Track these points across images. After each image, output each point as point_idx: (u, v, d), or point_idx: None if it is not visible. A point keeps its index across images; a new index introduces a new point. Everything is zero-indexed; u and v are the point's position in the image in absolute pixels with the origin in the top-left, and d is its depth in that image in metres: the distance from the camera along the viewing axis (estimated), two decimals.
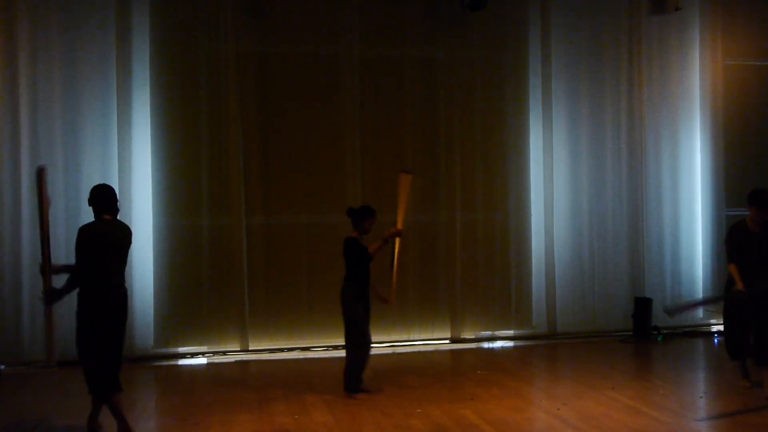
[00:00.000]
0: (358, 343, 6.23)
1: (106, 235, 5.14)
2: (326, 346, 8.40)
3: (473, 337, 8.74)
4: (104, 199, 5.22)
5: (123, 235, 5.30)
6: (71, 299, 5.35)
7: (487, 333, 8.79)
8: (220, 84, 8.16)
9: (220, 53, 8.16)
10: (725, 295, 6.34)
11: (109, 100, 7.88)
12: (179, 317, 8.01)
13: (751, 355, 6.17)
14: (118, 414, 5.16)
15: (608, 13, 9.19)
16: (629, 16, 9.22)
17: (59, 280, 5.28)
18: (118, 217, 5.34)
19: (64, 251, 7.69)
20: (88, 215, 7.69)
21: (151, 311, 7.95)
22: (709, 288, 9.32)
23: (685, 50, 9.42)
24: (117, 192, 7.53)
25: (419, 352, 7.87)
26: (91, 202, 5.23)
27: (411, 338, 8.46)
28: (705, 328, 9.30)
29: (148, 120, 7.96)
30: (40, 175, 5.35)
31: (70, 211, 7.79)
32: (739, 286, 5.92)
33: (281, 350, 8.26)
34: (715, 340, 8.82)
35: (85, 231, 5.09)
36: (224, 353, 8.12)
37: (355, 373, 6.30)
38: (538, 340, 8.82)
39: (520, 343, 8.76)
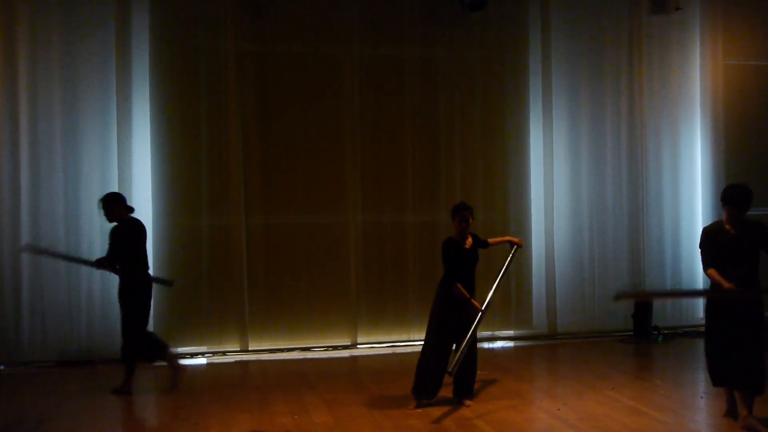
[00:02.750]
0: (425, 345, 5.99)
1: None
2: (326, 346, 8.40)
3: None
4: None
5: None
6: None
7: (487, 333, 8.77)
8: (220, 84, 8.16)
9: (220, 53, 8.16)
10: (707, 313, 5.54)
11: (109, 100, 7.88)
12: (179, 317, 8.01)
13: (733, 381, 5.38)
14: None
15: (608, 13, 9.19)
16: (629, 16, 9.21)
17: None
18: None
19: (64, 250, 7.72)
20: (87, 215, 7.85)
21: (151, 311, 7.92)
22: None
23: (685, 50, 9.42)
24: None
25: (419, 352, 7.85)
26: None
27: (411, 338, 8.45)
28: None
29: (148, 120, 7.96)
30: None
31: (69, 210, 7.80)
32: (725, 284, 5.20)
33: (281, 350, 8.26)
34: None
35: None
36: (224, 353, 8.12)
37: (420, 377, 5.91)
38: (538, 340, 8.82)
39: (520, 343, 8.76)
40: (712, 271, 5.37)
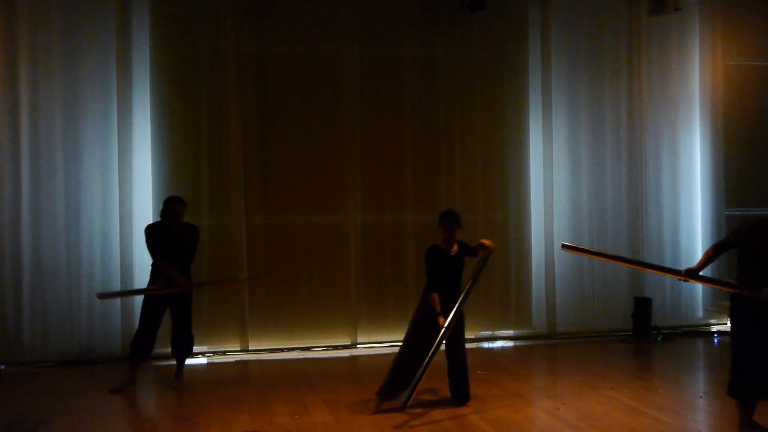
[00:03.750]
0: (401, 347, 5.94)
1: None
2: (326, 346, 8.40)
3: (473, 337, 8.73)
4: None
5: None
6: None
7: (487, 333, 8.79)
8: (220, 84, 8.16)
9: (220, 53, 8.17)
10: (738, 320, 5.02)
11: (109, 100, 7.88)
12: None
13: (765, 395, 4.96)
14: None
15: (608, 13, 9.19)
16: (629, 16, 9.22)
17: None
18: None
19: (64, 250, 7.74)
20: (87, 215, 7.87)
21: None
22: (709, 288, 9.29)
23: (685, 50, 9.42)
24: (118, 192, 7.75)
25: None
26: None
27: None
28: (705, 328, 9.31)
29: (148, 120, 7.97)
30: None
31: (70, 210, 7.80)
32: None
33: (281, 350, 8.26)
34: (715, 340, 8.82)
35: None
36: (224, 353, 8.12)
37: (388, 377, 5.84)
38: (538, 340, 8.83)
39: (520, 343, 8.77)
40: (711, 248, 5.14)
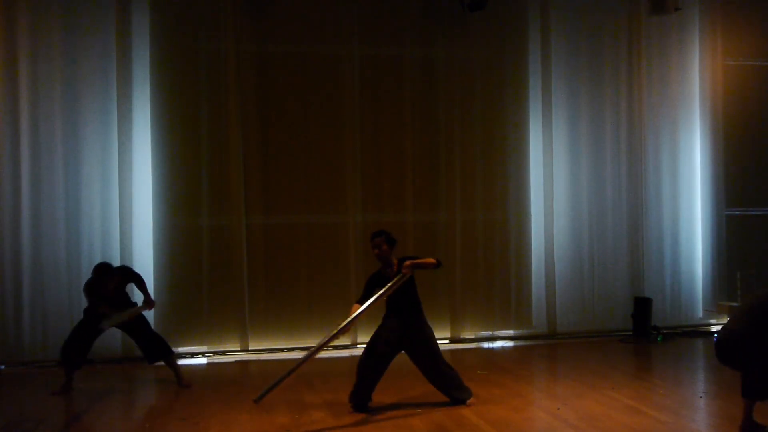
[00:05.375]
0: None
1: None
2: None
3: (473, 337, 8.75)
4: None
5: None
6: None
7: (487, 333, 8.79)
8: (220, 84, 8.16)
9: (220, 53, 8.17)
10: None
11: (109, 100, 7.89)
12: (179, 317, 8.02)
13: None
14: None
15: (608, 13, 9.20)
16: (629, 16, 9.22)
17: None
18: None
19: (64, 252, 7.74)
20: (87, 217, 7.89)
21: (153, 311, 7.93)
22: (709, 288, 9.31)
23: (685, 50, 9.42)
24: (118, 192, 7.76)
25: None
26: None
27: None
28: (704, 328, 9.31)
29: (148, 120, 7.97)
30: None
31: (69, 210, 7.80)
32: None
33: (281, 350, 8.26)
34: (715, 340, 8.80)
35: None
36: (224, 353, 8.12)
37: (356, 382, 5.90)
38: (538, 340, 8.83)
39: (520, 343, 8.77)
40: None
